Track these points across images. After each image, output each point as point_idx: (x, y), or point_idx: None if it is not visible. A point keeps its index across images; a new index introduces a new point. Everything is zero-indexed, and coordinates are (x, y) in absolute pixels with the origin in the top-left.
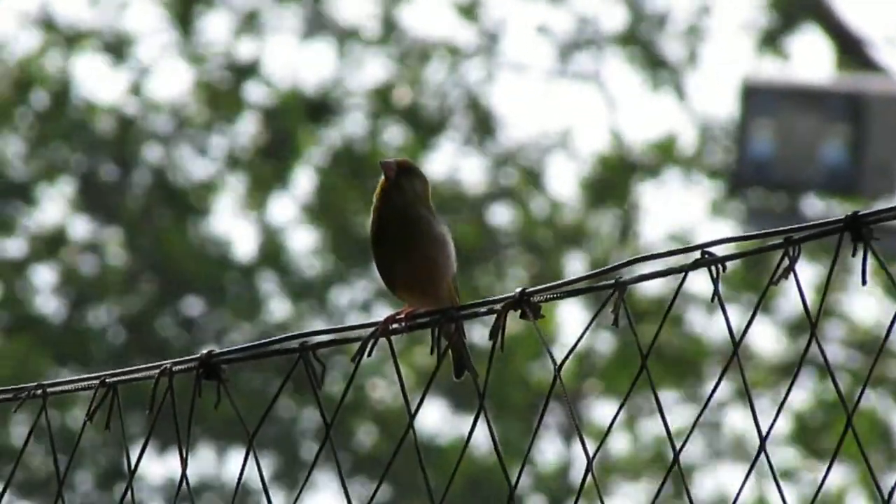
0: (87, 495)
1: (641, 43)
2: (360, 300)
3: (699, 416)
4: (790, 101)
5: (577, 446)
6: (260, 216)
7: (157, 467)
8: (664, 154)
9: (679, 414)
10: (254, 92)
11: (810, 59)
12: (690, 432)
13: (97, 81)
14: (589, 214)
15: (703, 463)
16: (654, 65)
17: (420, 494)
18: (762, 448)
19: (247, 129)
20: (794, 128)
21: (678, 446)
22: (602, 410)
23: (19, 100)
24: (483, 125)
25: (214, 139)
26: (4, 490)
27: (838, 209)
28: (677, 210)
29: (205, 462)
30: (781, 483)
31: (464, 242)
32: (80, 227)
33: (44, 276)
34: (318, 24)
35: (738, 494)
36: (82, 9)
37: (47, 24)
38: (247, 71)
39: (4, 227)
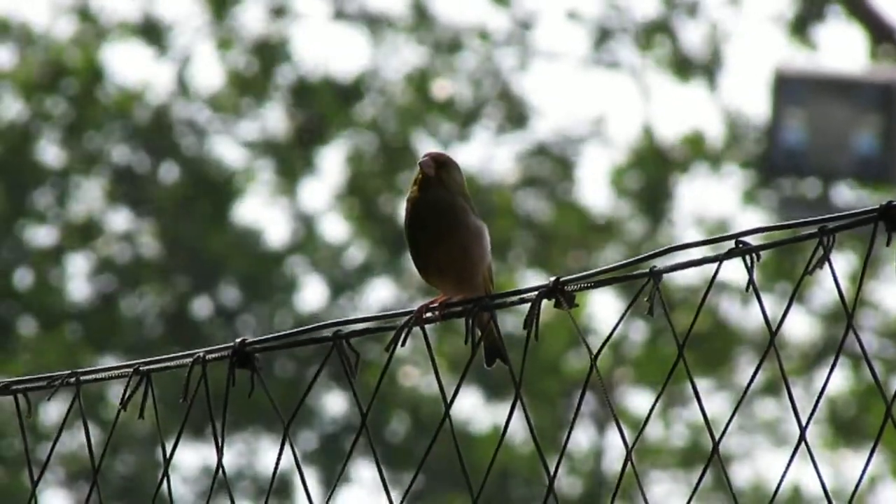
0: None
1: (672, 35)
2: (394, 289)
3: (738, 404)
4: (822, 90)
5: (611, 434)
6: (292, 203)
7: (193, 456)
8: (696, 145)
9: (713, 403)
10: (285, 78)
11: (841, 50)
12: (729, 421)
13: (131, 70)
14: (622, 204)
15: (739, 452)
16: (685, 57)
17: (452, 486)
18: (802, 437)
19: (278, 115)
20: (827, 117)
21: (717, 435)
22: (635, 399)
23: (53, 89)
24: (516, 114)
25: (246, 126)
26: (39, 478)
27: (870, 198)
28: (710, 200)
29: (240, 452)
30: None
31: (496, 231)
32: (115, 217)
33: (78, 265)
34: (349, 9)
35: (781, 483)
36: None
37: (81, 12)
38: (278, 57)
39: (38, 216)
